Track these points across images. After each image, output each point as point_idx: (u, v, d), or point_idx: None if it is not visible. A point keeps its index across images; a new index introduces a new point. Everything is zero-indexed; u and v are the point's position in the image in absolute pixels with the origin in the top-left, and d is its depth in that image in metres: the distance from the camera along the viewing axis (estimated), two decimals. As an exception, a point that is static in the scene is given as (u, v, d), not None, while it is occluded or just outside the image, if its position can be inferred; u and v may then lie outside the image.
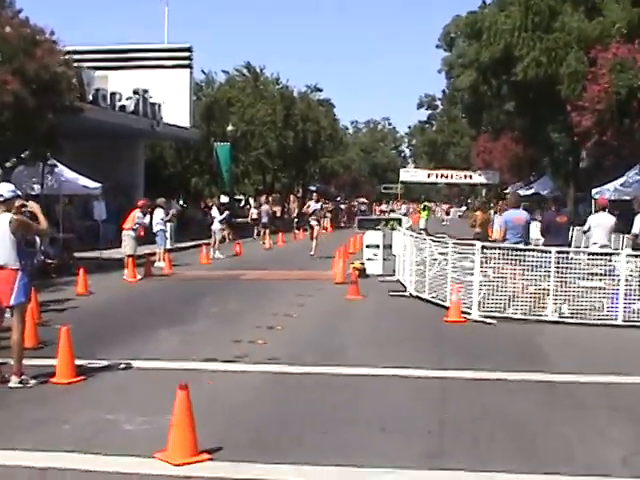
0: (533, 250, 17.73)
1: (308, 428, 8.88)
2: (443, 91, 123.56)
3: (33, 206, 11.22)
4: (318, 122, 68.07)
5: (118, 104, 41.03)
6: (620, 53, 32.86)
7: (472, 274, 18.23)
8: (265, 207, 45.60)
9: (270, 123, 60.95)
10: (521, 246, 17.67)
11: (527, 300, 17.18)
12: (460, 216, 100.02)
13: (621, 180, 37.01)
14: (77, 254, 28.70)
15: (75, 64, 30.43)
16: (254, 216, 48.31)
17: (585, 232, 19.44)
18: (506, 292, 17.22)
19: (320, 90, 76.25)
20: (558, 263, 16.90)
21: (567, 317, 16.80)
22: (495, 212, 49.59)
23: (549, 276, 17.01)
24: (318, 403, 9.98)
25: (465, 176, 74.20)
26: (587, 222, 19.45)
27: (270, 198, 56.83)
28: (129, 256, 24.56)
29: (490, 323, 16.54)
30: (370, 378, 11.37)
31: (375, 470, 7.58)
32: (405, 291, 21.13)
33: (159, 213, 28.37)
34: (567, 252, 17.63)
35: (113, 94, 40.56)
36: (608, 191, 36.74)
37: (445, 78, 77.53)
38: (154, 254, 28.41)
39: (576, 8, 42.23)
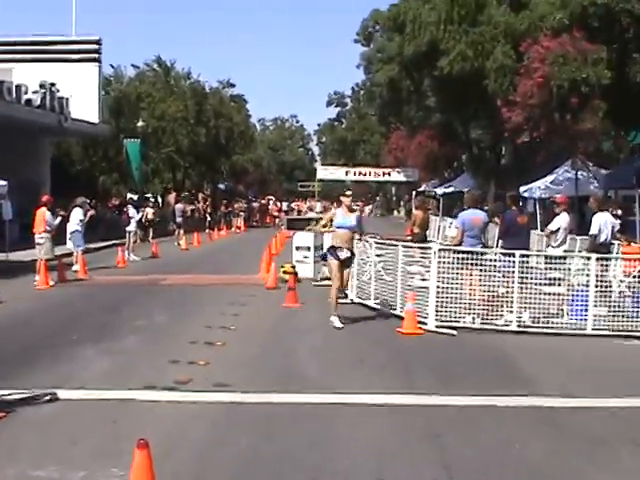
0: (494, 254, 16.32)
1: (289, 482, 7.19)
2: (352, 88, 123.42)
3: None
4: (231, 118, 66.39)
5: (24, 97, 38.72)
6: (552, 46, 31.90)
7: (420, 279, 16.96)
8: (179, 206, 43.63)
9: (181, 119, 59.21)
10: (480, 249, 16.21)
11: (485, 308, 15.74)
12: (369, 214, 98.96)
13: (550, 177, 36.18)
14: (-19, 258, 26.51)
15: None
16: (149, 216, 42.98)
17: (553, 233, 18.12)
18: (462, 299, 15.76)
19: (233, 85, 74.56)
20: (521, 268, 15.56)
21: (529, 326, 15.46)
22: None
23: (508, 282, 15.66)
24: (291, 444, 8.25)
25: (383, 173, 72.99)
26: (552, 224, 18.17)
27: (185, 197, 54.66)
28: (46, 260, 22.54)
29: (450, 334, 15.03)
30: (341, 408, 9.69)
31: None
32: (345, 297, 19.51)
33: (77, 213, 26.18)
34: (529, 256, 16.28)
35: (18, 87, 38.22)
36: (539, 189, 35.86)
37: (364, 73, 76.61)
38: (66, 256, 26.21)
39: (501, 1, 41.37)
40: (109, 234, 38.27)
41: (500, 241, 17.57)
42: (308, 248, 24.38)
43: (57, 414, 9.30)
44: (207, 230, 52.00)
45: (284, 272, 22.63)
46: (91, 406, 9.64)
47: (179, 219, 41.68)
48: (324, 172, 77.38)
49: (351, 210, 16.36)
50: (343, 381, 11.10)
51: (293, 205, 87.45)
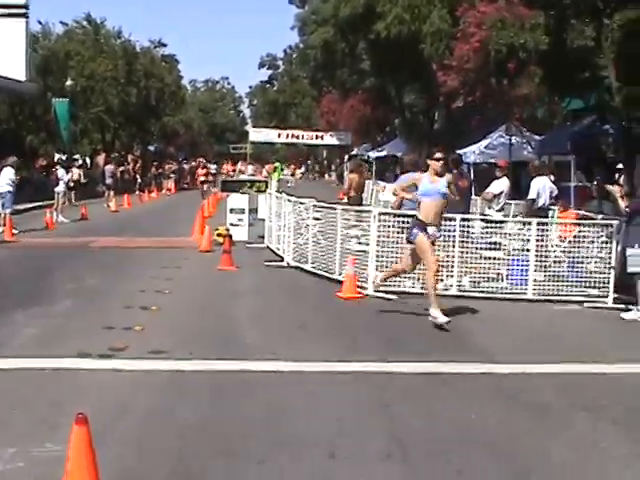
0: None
1: (237, 455, 6.80)
2: (285, 51, 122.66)
3: None
4: (162, 79, 65.31)
5: (-54, 52, 37.45)
6: (488, 11, 31.74)
7: (357, 242, 16.72)
8: (109, 167, 42.78)
9: (111, 79, 58.04)
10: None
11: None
12: (300, 177, 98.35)
13: (485, 142, 36.18)
14: None
15: None
16: (75, 177, 40.38)
17: (495, 197, 18.08)
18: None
19: (164, 45, 73.34)
20: (462, 232, 15.37)
21: (468, 290, 15.29)
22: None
23: (448, 246, 15.44)
24: (237, 414, 7.88)
25: (317, 137, 72.31)
26: (493, 187, 18.09)
27: (115, 158, 53.64)
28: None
29: (390, 299, 14.76)
30: (286, 376, 9.34)
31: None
32: (282, 261, 19.19)
33: (8, 173, 25.38)
34: (470, 220, 16.09)
35: (-60, 41, 36.93)
36: (473, 154, 35.82)
37: (298, 35, 75.88)
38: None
39: (437, -36, 41.06)
40: (36, 195, 37.36)
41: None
42: (242, 210, 23.99)
43: (-14, 385, 8.82)
44: (137, 192, 51.20)
45: (218, 235, 22.25)
46: (22, 376, 9.13)
47: (109, 180, 40.83)
48: (256, 134, 76.35)
49: (439, 175, 13.16)
50: (285, 348, 10.73)
51: (223, 169, 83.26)
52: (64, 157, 47.42)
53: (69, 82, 53.09)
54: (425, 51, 38.59)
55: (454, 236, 15.34)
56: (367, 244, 16.28)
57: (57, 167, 33.79)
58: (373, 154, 55.40)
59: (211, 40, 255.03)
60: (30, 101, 51.99)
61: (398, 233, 15.43)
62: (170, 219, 32.40)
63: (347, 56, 54.97)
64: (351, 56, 54.52)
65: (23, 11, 46.86)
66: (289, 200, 19.90)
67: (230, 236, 21.77)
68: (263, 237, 23.15)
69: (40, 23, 60.83)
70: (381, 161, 54.21)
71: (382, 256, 15.38)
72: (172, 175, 58.97)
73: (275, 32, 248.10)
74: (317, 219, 18.48)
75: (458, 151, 35.45)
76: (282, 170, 56.47)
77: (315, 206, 18.37)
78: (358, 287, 15.09)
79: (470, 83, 32.89)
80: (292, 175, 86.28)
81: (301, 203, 19.17)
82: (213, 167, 68.59)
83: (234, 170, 74.23)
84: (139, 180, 55.80)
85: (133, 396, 8.45)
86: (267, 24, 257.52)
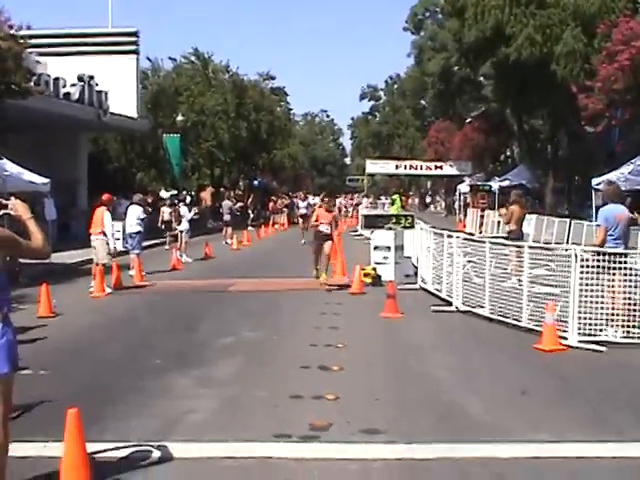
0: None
1: None
2: (386, 81, 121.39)
3: (18, 207, 6.50)
4: (272, 111, 64.01)
5: (62, 91, 36.49)
6: (635, 27, 29.52)
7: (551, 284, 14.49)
8: (227, 202, 40.89)
9: (222, 113, 56.74)
10: (627, 251, 13.75)
11: (628, 317, 13.30)
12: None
13: (627, 168, 33.77)
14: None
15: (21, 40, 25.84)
16: (166, 217, 35.37)
17: None
18: (603, 309, 13.34)
19: (273, 78, 72.22)
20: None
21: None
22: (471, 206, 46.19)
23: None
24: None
25: (436, 167, 70.15)
26: None
27: (233, 193, 52.12)
28: (101, 265, 20.24)
29: (600, 350, 12.62)
30: (538, 463, 7.35)
31: None
32: (449, 305, 17.10)
33: (136, 211, 23.80)
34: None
35: (56, 80, 36.00)
36: (618, 181, 33.45)
37: (414, 62, 74.26)
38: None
39: (568, -19, 38.86)
40: (150, 234, 35.85)
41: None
42: (388, 248, 22.00)
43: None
44: (249, 227, 49.48)
45: (365, 275, 20.48)
46: (217, 469, 7.26)
47: (227, 217, 39.07)
48: (373, 166, 74.77)
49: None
50: (519, 422, 8.67)
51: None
52: (184, 193, 46.27)
53: (180, 118, 52.19)
54: (558, 73, 36.31)
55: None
56: (552, 285, 14.20)
57: (179, 204, 32.20)
58: (495, 184, 52.75)
59: (308, 73, 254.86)
60: (141, 138, 51.14)
61: (599, 274, 13.33)
62: (296, 256, 30.43)
63: (466, 83, 52.96)
64: (471, 83, 52.48)
65: (133, 48, 46.24)
66: (457, 237, 17.74)
67: (379, 276, 20.19)
68: (409, 276, 21.26)
69: (149, 60, 60.35)
70: (502, 191, 51.65)
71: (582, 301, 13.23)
72: (284, 210, 57.12)
73: (374, 63, 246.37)
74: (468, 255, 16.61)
75: (597, 179, 33.30)
76: (401, 201, 53.39)
77: (491, 243, 16.25)
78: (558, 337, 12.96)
79: (617, 105, 30.57)
80: (402, 207, 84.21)
81: (475, 241, 17.13)
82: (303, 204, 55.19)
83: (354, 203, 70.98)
84: (251, 215, 54.14)
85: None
86: (365, 55, 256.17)
